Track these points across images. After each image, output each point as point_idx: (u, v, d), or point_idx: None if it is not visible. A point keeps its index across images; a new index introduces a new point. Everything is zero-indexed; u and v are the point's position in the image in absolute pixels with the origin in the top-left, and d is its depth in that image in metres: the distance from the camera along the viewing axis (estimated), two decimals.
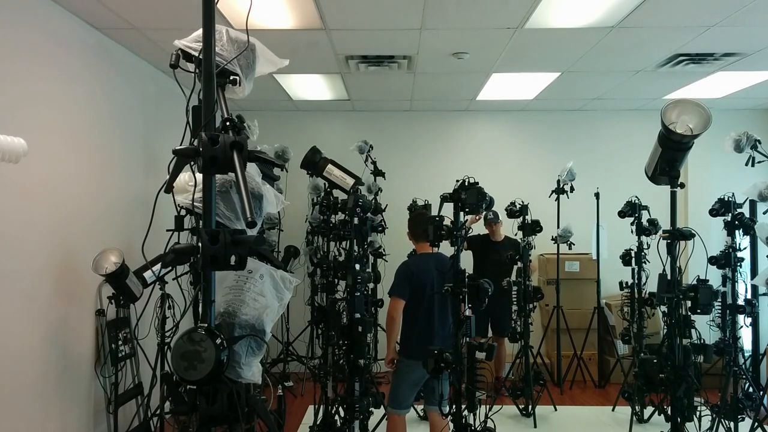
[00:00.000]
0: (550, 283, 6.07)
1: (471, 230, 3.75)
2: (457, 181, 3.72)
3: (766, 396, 4.51)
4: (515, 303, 5.13)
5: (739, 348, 4.25)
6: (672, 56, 4.59)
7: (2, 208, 2.97)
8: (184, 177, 1.88)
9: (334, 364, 3.90)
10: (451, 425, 3.56)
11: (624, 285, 5.19)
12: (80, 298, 3.74)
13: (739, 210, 4.17)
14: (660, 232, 4.76)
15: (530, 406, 5.02)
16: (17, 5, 3.11)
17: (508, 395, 5.21)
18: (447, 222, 3.57)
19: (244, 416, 1.66)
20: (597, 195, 5.82)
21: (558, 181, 5.63)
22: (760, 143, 3.95)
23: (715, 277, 3.96)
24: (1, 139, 2.21)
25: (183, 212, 2.01)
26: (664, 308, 3.66)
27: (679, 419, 3.45)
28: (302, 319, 6.09)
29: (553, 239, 5.74)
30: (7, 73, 3.01)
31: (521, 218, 5.15)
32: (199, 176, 1.68)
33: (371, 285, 5.47)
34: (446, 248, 3.73)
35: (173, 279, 2.47)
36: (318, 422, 4.06)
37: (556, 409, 5.31)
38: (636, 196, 5.00)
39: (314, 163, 5.62)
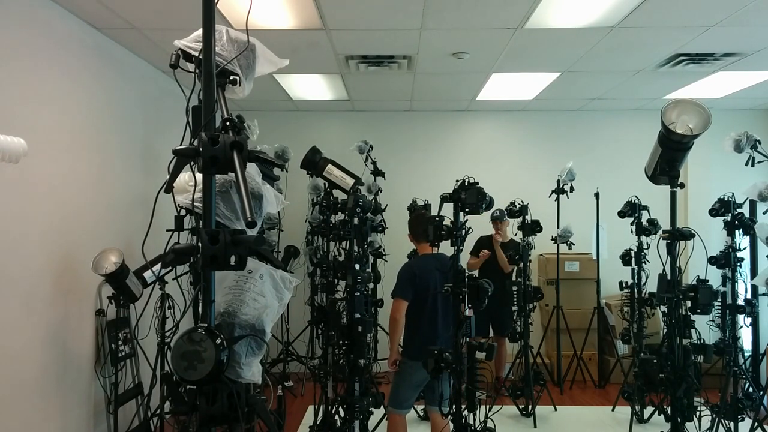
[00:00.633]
0: (550, 283, 6.07)
1: (471, 230, 3.74)
2: (457, 181, 3.72)
3: (766, 396, 4.51)
4: (515, 303, 5.13)
5: (739, 348, 4.25)
6: (672, 56, 4.59)
7: (2, 208, 2.97)
8: (184, 177, 1.88)
9: (334, 364, 3.90)
10: (452, 425, 3.56)
11: (624, 285, 5.19)
12: (80, 298, 3.74)
13: (739, 210, 4.17)
14: (660, 232, 4.76)
15: (530, 406, 5.02)
16: (17, 5, 3.11)
17: (508, 395, 5.21)
18: (447, 222, 3.57)
19: (244, 416, 1.66)
20: (597, 195, 5.82)
21: (558, 181, 5.63)
22: (760, 143, 3.95)
23: (715, 277, 3.96)
24: (1, 139, 2.21)
25: (183, 212, 2.01)
26: (664, 308, 3.66)
27: (679, 419, 3.45)
28: (302, 319, 6.09)
29: (553, 239, 5.74)
30: (7, 73, 3.01)
31: (521, 218, 5.15)
32: (199, 176, 1.68)
33: (371, 285, 5.48)
34: (446, 248, 3.73)
35: (173, 279, 2.47)
36: (318, 422, 4.06)
37: (556, 409, 5.31)
38: (636, 196, 5.00)
39: (314, 163, 5.62)
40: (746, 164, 3.97)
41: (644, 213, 4.98)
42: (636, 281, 5.09)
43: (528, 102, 6.29)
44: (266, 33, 3.84)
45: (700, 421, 3.82)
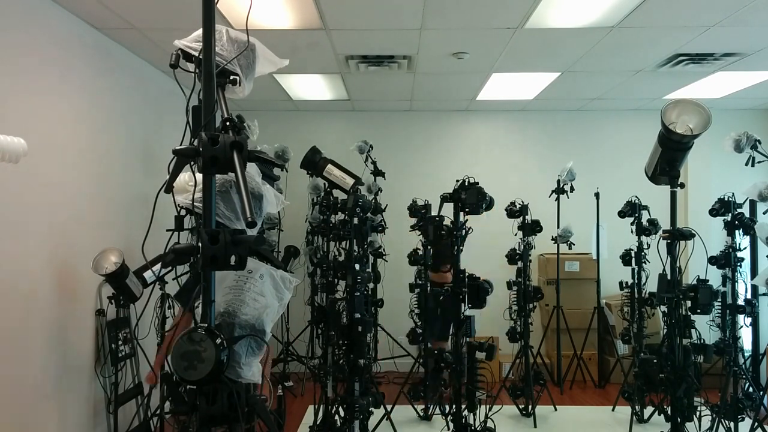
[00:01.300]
0: (550, 283, 6.07)
1: (471, 230, 3.74)
2: (457, 181, 3.72)
3: (766, 396, 4.51)
4: (515, 303, 5.13)
5: (739, 348, 4.25)
6: (672, 56, 4.59)
7: (2, 208, 2.97)
8: (184, 177, 1.88)
9: (334, 364, 3.90)
10: (451, 425, 3.56)
11: (624, 285, 5.19)
12: (80, 298, 3.74)
13: (739, 210, 4.17)
14: (660, 232, 4.76)
15: (530, 406, 5.02)
16: (17, 5, 3.11)
17: (509, 395, 5.22)
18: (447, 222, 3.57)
19: (244, 416, 1.66)
20: (597, 195, 5.82)
21: (558, 181, 5.63)
22: (760, 143, 3.95)
23: (715, 277, 3.96)
24: (1, 139, 2.21)
25: (183, 212, 2.01)
26: (664, 308, 3.66)
27: (679, 419, 3.45)
28: (302, 319, 6.09)
29: (553, 239, 5.74)
30: (7, 73, 3.01)
31: (521, 218, 5.15)
32: (199, 176, 1.68)
33: (371, 285, 5.48)
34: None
35: (173, 279, 2.47)
36: (318, 422, 4.06)
37: (556, 409, 5.31)
38: (636, 196, 5.00)
39: (314, 163, 5.62)
40: (746, 164, 3.97)
41: (644, 213, 4.98)
42: (636, 281, 5.09)
43: (528, 102, 6.29)
44: (266, 33, 3.85)
45: (700, 421, 3.82)
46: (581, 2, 3.51)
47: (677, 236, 3.40)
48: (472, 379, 3.48)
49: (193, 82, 1.85)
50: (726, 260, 4.17)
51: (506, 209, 5.19)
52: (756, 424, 4.12)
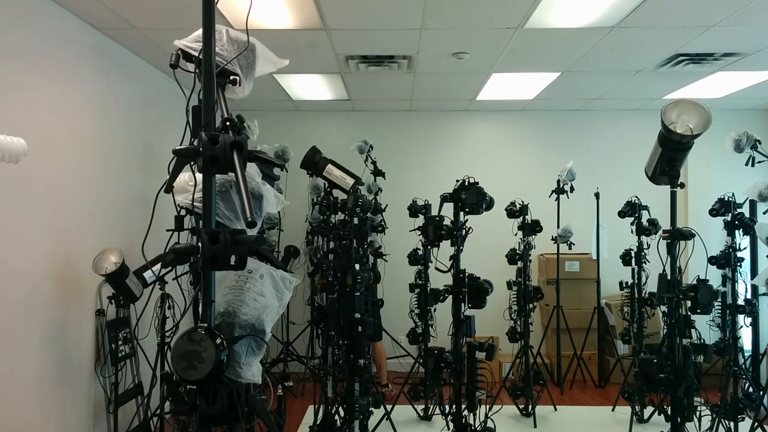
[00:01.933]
0: (550, 283, 6.07)
1: (471, 230, 3.74)
2: (457, 181, 3.72)
3: (766, 396, 4.51)
4: (515, 303, 5.13)
5: (739, 348, 4.25)
6: (672, 56, 4.59)
7: (2, 208, 2.97)
8: (184, 177, 1.88)
9: (334, 364, 3.90)
10: (451, 425, 3.56)
11: (624, 285, 5.19)
12: (80, 298, 3.74)
13: (739, 210, 4.17)
14: (660, 232, 4.76)
15: (530, 406, 5.02)
16: (17, 5, 3.11)
17: (509, 395, 5.22)
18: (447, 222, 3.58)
19: (244, 416, 1.67)
20: (597, 195, 5.82)
21: (558, 181, 5.63)
22: (760, 143, 3.95)
23: (715, 277, 3.96)
24: (1, 139, 2.21)
25: (183, 212, 2.01)
26: (664, 308, 3.66)
27: (679, 419, 3.45)
28: (302, 319, 6.09)
29: (553, 239, 5.74)
30: (7, 73, 3.01)
31: (521, 218, 5.15)
32: (199, 176, 1.69)
33: (368, 283, 5.48)
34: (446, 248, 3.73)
35: (173, 279, 2.47)
36: (318, 422, 4.06)
37: (556, 409, 5.31)
38: (636, 196, 5.00)
39: (314, 163, 5.63)
40: (746, 164, 3.98)
41: (644, 213, 4.98)
42: (636, 281, 5.09)
43: (528, 102, 6.29)
44: (266, 33, 3.85)
45: (700, 421, 3.82)
46: (581, 2, 3.51)
47: (677, 236, 3.40)
48: (472, 379, 3.49)
49: (193, 82, 1.85)
50: (726, 260, 4.17)
51: (506, 209, 5.19)
52: (756, 424, 4.12)
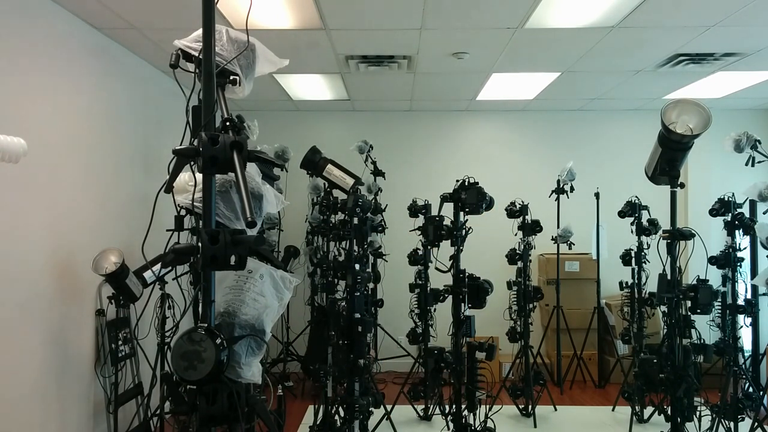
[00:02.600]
0: (550, 283, 6.07)
1: (471, 230, 3.74)
2: (457, 181, 3.72)
3: (766, 396, 4.51)
4: (515, 303, 5.13)
5: (739, 348, 4.25)
6: (672, 56, 4.59)
7: (2, 208, 2.97)
8: (184, 177, 1.88)
9: (334, 364, 3.90)
10: (451, 425, 3.56)
11: (624, 285, 5.19)
12: (80, 298, 3.74)
13: (739, 210, 4.17)
14: (660, 232, 4.76)
15: (530, 406, 5.02)
16: (17, 5, 3.11)
17: (509, 395, 5.22)
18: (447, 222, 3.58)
19: (244, 416, 1.66)
20: (597, 195, 5.82)
21: (558, 181, 5.63)
22: (760, 143, 3.95)
23: (715, 277, 3.96)
24: (1, 139, 2.21)
25: (183, 212, 2.01)
26: (664, 308, 3.66)
27: (679, 419, 3.45)
28: (302, 319, 6.10)
29: (553, 239, 5.74)
30: (6, 73, 3.01)
31: (521, 218, 5.15)
32: (199, 176, 1.69)
33: (371, 285, 5.48)
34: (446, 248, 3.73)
35: (173, 279, 2.47)
36: (318, 422, 4.06)
37: (556, 409, 5.31)
38: (636, 196, 5.00)
39: (314, 163, 5.63)
40: (746, 164, 3.98)
41: (644, 213, 4.98)
42: (636, 281, 5.09)
43: (528, 102, 6.29)
44: (266, 33, 3.85)
45: (700, 421, 3.82)
46: (581, 2, 3.51)
47: (677, 236, 3.40)
48: (472, 379, 3.49)
49: (193, 82, 1.85)
50: (726, 260, 4.17)
51: (506, 209, 5.19)
52: (756, 424, 4.12)
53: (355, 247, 3.69)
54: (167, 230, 1.95)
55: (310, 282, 5.76)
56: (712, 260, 4.10)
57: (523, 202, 5.19)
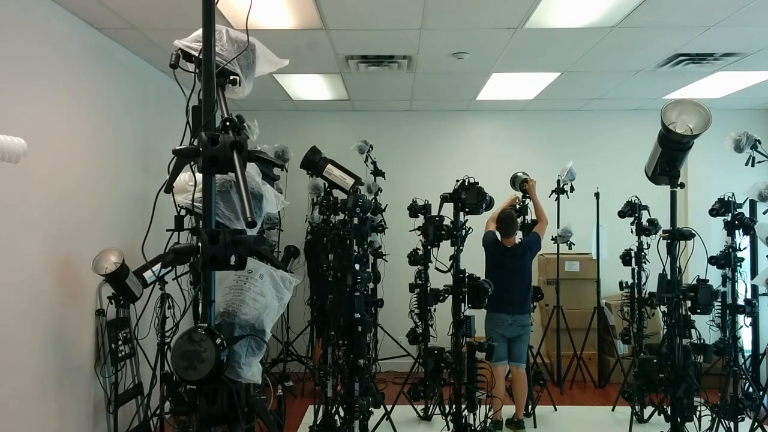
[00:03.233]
0: (550, 283, 6.07)
1: (471, 230, 3.74)
2: (457, 181, 3.73)
3: (766, 396, 4.51)
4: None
5: (739, 348, 4.25)
6: (672, 56, 4.59)
7: (2, 208, 2.97)
8: (184, 177, 1.88)
9: (334, 364, 3.90)
10: (451, 425, 3.56)
11: (624, 285, 5.19)
12: (80, 298, 3.74)
13: (739, 210, 4.17)
14: (660, 232, 4.76)
15: (530, 406, 5.02)
16: (17, 5, 3.11)
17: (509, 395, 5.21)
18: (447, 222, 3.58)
19: (244, 416, 1.66)
20: (597, 195, 5.82)
21: (558, 181, 5.63)
22: (760, 143, 3.95)
23: (715, 277, 3.96)
24: (1, 139, 2.21)
25: (183, 212, 2.01)
26: (664, 308, 3.66)
27: (679, 419, 3.45)
28: (302, 319, 6.10)
29: (553, 239, 5.74)
30: (6, 73, 3.01)
31: (522, 218, 5.15)
32: (199, 176, 1.68)
33: (371, 285, 5.48)
34: (446, 248, 3.73)
35: (173, 279, 2.48)
36: (318, 422, 4.06)
37: (556, 409, 5.31)
38: (636, 196, 5.00)
39: (314, 163, 5.62)
40: (746, 164, 3.97)
41: (644, 213, 4.98)
42: (636, 281, 5.09)
43: (528, 102, 6.29)
44: (266, 33, 3.85)
45: (700, 421, 3.82)
46: (581, 2, 3.51)
47: (677, 236, 3.40)
48: (472, 379, 3.49)
49: (193, 82, 1.85)
50: (726, 260, 4.17)
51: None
52: (756, 424, 4.12)
53: (355, 247, 3.69)
54: (167, 230, 1.96)
55: (310, 282, 5.76)
56: (712, 260, 4.11)
57: (523, 202, 5.19)
